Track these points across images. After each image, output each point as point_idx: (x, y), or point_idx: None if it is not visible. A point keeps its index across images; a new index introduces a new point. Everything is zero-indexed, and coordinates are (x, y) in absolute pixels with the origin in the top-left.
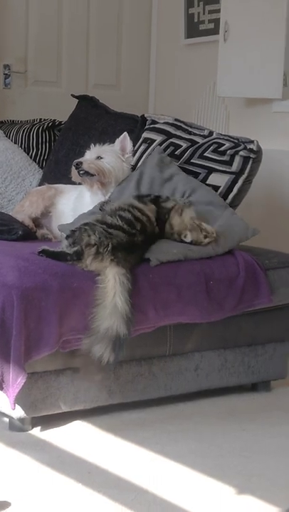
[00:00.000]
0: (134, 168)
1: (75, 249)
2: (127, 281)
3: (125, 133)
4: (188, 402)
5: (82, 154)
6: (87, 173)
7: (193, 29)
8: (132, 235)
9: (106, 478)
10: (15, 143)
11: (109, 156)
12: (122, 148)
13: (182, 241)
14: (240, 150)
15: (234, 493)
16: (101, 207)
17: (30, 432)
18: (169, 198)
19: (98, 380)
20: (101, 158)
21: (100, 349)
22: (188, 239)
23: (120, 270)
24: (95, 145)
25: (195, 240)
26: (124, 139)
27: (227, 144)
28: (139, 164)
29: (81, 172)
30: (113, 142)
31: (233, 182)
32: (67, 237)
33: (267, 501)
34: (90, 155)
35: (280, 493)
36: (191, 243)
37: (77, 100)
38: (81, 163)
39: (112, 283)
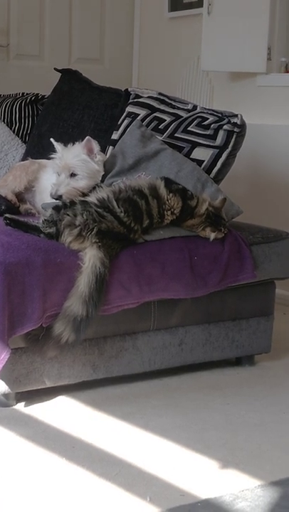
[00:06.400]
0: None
1: (50, 230)
2: (100, 265)
3: (88, 137)
4: (173, 376)
5: (65, 129)
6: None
7: (176, 2)
8: (131, 230)
9: (90, 452)
10: None
11: (82, 170)
12: (88, 151)
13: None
14: (224, 124)
15: (218, 467)
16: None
17: (14, 407)
18: (192, 193)
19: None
20: (75, 175)
21: (60, 327)
22: (211, 238)
23: (98, 253)
24: (57, 141)
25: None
26: (88, 143)
27: (211, 118)
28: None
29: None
30: (97, 116)
31: (217, 156)
32: (54, 208)
33: (250, 474)
34: (60, 168)
35: (264, 466)
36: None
37: (60, 74)
38: (61, 196)
39: (86, 265)
